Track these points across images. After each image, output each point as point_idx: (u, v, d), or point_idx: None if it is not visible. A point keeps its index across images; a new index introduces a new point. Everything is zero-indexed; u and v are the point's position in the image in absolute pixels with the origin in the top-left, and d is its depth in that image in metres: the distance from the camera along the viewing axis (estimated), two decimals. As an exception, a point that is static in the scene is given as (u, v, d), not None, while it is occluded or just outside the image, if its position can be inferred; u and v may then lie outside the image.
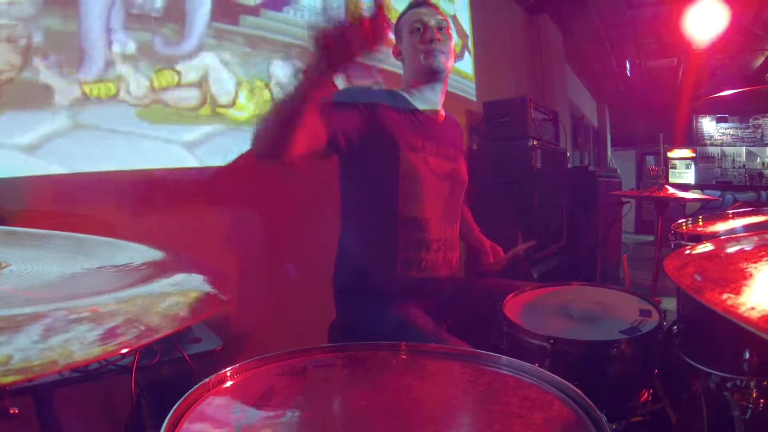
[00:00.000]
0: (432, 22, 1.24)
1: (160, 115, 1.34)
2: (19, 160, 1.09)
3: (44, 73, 1.12)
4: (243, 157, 1.53)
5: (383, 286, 1.16)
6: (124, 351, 0.35)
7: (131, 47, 1.27)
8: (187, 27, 1.41)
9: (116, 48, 1.24)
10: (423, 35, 1.24)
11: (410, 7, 1.29)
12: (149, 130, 1.32)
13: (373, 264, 1.17)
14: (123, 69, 1.26)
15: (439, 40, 1.22)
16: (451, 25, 1.33)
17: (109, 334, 0.36)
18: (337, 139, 1.09)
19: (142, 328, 0.38)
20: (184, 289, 0.51)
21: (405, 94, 1.28)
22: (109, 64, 1.23)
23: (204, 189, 1.45)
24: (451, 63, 1.27)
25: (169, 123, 1.37)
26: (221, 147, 1.49)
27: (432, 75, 1.25)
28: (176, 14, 1.38)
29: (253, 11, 1.60)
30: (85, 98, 1.19)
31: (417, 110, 1.26)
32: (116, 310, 0.41)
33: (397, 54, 1.33)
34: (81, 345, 0.34)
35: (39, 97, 1.12)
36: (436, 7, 1.30)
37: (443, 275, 1.23)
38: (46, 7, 1.12)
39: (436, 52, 1.22)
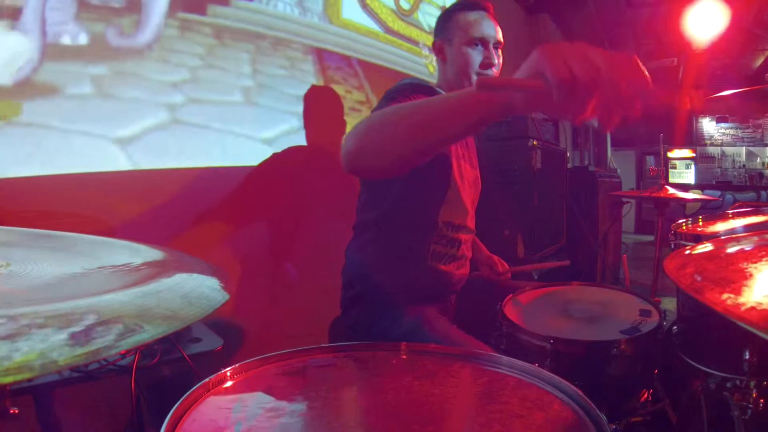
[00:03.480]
0: (492, 41, 1.17)
1: (98, 109, 1.25)
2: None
3: None
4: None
5: (405, 283, 1.15)
6: (123, 351, 0.35)
7: (83, 38, 1.20)
8: (143, 17, 1.32)
9: (66, 40, 1.17)
10: (485, 56, 1.16)
11: (469, 7, 1.19)
12: (83, 126, 1.23)
13: (405, 252, 1.17)
14: (62, 61, 1.18)
15: (495, 65, 1.18)
16: None
17: (109, 335, 0.36)
18: None
19: (142, 327, 0.38)
20: (184, 289, 0.51)
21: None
22: (44, 56, 1.14)
23: (204, 189, 1.45)
24: None
25: (106, 118, 1.27)
26: (160, 143, 1.38)
27: None
28: (135, 4, 1.31)
29: (223, 1, 1.53)
30: (17, 93, 1.11)
31: None
32: (116, 311, 0.41)
33: (439, 52, 1.24)
34: (81, 345, 0.34)
35: None
36: (494, 16, 1.21)
37: (461, 273, 1.24)
38: None
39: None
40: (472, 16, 1.17)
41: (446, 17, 1.23)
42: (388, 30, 2.22)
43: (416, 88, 1.08)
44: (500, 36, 1.20)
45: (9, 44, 1.10)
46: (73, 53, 1.20)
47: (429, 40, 2.09)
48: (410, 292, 1.15)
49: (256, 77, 1.65)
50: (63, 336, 0.34)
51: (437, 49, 1.25)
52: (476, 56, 1.16)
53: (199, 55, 1.47)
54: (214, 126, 1.52)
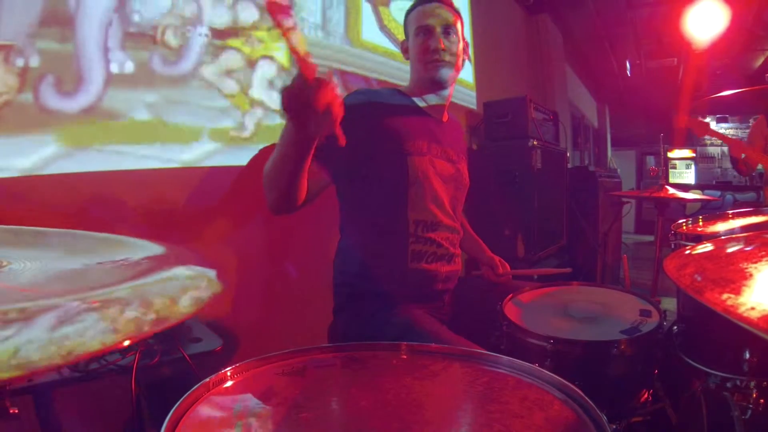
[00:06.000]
0: (438, 26, 1.16)
1: (159, 134, 1.34)
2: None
3: (42, 94, 1.10)
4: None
5: (390, 285, 1.15)
6: (126, 343, 0.35)
7: (129, 67, 1.26)
8: (185, 45, 1.39)
9: (114, 68, 1.23)
10: (427, 43, 1.16)
11: (420, 2, 1.20)
12: (150, 151, 1.31)
13: (383, 256, 1.16)
14: (121, 89, 1.24)
15: (443, 49, 1.16)
16: (459, 24, 1.23)
17: (111, 327, 0.36)
18: (341, 166, 1.08)
19: (144, 320, 0.38)
20: (184, 280, 0.51)
21: (410, 95, 1.24)
22: (107, 84, 1.21)
23: (204, 189, 1.45)
24: (457, 69, 1.22)
25: (168, 142, 1.36)
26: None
27: (435, 86, 1.21)
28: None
29: (252, 27, 1.59)
30: (84, 119, 1.18)
31: (422, 111, 1.23)
32: (117, 303, 0.41)
33: (405, 51, 1.26)
34: (83, 337, 0.34)
35: (37, 119, 1.10)
36: (448, 3, 1.20)
37: (449, 270, 1.22)
38: (42, 28, 1.10)
39: (439, 64, 1.16)
40: (420, 9, 1.19)
41: (405, 18, 1.25)
42: (405, 50, 2.28)
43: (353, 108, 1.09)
44: (449, 19, 1.18)
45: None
46: (127, 81, 1.27)
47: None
48: (397, 294, 1.14)
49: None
50: (76, 328, 0.34)
51: (403, 50, 1.27)
52: (422, 45, 1.17)
53: (236, 80, 1.55)
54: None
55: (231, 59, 1.52)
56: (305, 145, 0.85)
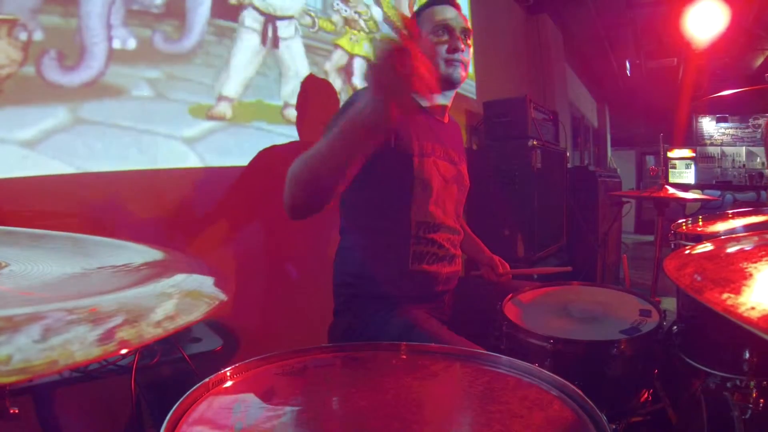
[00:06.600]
0: (458, 28, 1.18)
1: (161, 110, 1.34)
2: (19, 155, 1.09)
3: (45, 68, 1.12)
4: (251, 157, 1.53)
5: (390, 287, 1.15)
6: (123, 351, 0.35)
7: (131, 43, 1.28)
8: (187, 23, 1.41)
9: (116, 44, 1.25)
10: (449, 42, 1.17)
11: (435, 2, 1.21)
12: (150, 126, 1.32)
13: (384, 258, 1.16)
14: (123, 64, 1.26)
15: (462, 50, 1.18)
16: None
17: (109, 335, 0.36)
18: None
19: (142, 328, 0.38)
20: (184, 289, 0.51)
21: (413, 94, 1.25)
22: (110, 59, 1.23)
23: (204, 189, 1.45)
24: (467, 72, 1.24)
25: (170, 119, 1.37)
26: (222, 143, 1.49)
27: (448, 85, 1.21)
28: (176, 11, 1.39)
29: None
30: (86, 93, 1.19)
31: (425, 111, 1.23)
32: (116, 311, 0.41)
33: None
34: (81, 345, 0.34)
35: (39, 93, 1.12)
36: (459, 8, 1.24)
37: (449, 271, 1.22)
38: (46, 3, 1.12)
39: (457, 63, 1.18)
40: (439, 8, 1.20)
41: (416, 15, 1.26)
42: (406, 41, 2.29)
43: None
44: (467, 24, 1.21)
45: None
46: (129, 57, 1.28)
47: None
48: (397, 295, 1.14)
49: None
50: (70, 336, 0.34)
51: None
52: (444, 42, 1.18)
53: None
54: (265, 127, 1.62)
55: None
56: (385, 117, 0.81)
